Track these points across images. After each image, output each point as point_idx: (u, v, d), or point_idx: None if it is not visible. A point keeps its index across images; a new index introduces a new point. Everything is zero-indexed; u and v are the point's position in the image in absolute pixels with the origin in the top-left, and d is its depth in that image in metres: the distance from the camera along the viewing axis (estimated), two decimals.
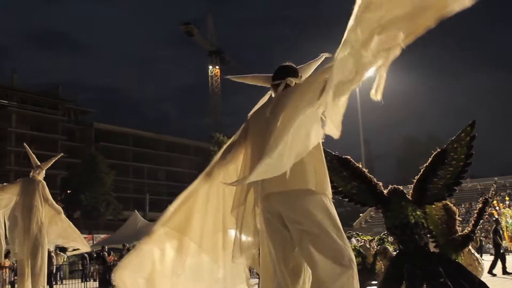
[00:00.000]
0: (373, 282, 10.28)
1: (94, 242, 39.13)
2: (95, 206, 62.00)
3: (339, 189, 6.83)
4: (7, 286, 20.63)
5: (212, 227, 4.46)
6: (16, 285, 13.75)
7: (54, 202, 10.87)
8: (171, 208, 4.41)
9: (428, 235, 6.74)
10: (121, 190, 69.60)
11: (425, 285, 6.48)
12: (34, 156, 11.25)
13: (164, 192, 77.21)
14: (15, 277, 15.46)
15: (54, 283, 23.93)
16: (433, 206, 7.14)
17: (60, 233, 10.87)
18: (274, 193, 4.03)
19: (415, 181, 6.72)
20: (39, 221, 10.32)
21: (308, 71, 4.58)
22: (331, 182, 6.83)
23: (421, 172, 6.65)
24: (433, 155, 6.59)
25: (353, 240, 12.33)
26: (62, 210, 10.96)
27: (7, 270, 18.73)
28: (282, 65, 4.60)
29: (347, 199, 6.93)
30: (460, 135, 6.41)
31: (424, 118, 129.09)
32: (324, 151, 6.79)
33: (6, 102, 72.64)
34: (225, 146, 4.63)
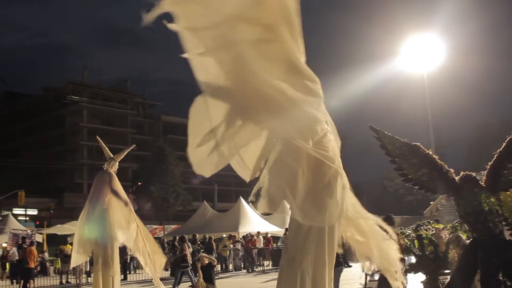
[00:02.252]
0: (446, 271, 10.07)
1: (165, 233, 39.97)
2: (165, 198, 63.22)
3: (409, 176, 6.73)
4: (83, 275, 21.39)
5: None
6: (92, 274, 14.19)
7: (122, 194, 10.95)
8: None
9: (503, 223, 6.54)
10: (190, 181, 70.70)
11: (500, 274, 6.31)
12: (107, 148, 11.51)
13: (233, 183, 77.81)
14: (91, 267, 15.96)
15: (128, 272, 24.61)
16: (508, 192, 6.91)
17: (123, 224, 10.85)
18: None
19: (488, 167, 6.55)
20: (108, 211, 10.46)
21: None
22: (401, 169, 6.76)
23: (495, 158, 6.47)
24: (507, 140, 6.39)
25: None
26: (129, 201, 10.98)
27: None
28: None
29: (417, 187, 6.81)
30: None
31: (497, 103, 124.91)
32: (393, 138, 6.71)
33: (78, 98, 75.08)
34: None
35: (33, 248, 21.07)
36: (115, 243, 10.55)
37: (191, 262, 18.22)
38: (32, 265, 19.69)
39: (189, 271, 17.61)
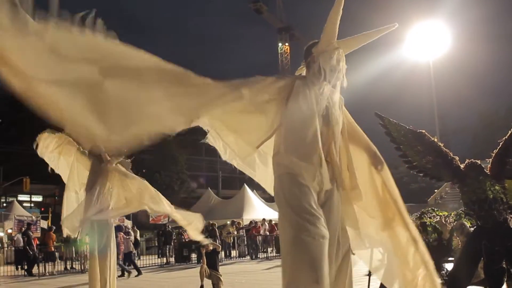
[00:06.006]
0: (450, 259, 10.07)
1: (169, 219, 40.03)
2: (169, 185, 63.34)
3: (414, 163, 6.69)
4: (88, 261, 21.48)
5: None
6: None
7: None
8: None
9: (508, 211, 6.51)
10: (194, 169, 70.66)
11: (504, 262, 6.29)
12: None
13: (236, 170, 78.01)
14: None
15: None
16: None
17: None
18: None
19: (493, 154, 6.51)
20: (104, 198, 10.45)
21: (351, 43, 4.64)
22: (405, 157, 6.73)
23: (500, 146, 6.43)
24: None
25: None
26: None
27: (87, 246, 19.46)
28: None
29: (421, 174, 6.78)
30: None
31: (503, 91, 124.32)
32: (398, 125, 6.68)
33: None
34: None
35: (52, 232, 23.12)
36: (111, 230, 10.60)
37: (132, 251, 19.42)
38: (52, 249, 21.68)
39: (120, 261, 17.72)
